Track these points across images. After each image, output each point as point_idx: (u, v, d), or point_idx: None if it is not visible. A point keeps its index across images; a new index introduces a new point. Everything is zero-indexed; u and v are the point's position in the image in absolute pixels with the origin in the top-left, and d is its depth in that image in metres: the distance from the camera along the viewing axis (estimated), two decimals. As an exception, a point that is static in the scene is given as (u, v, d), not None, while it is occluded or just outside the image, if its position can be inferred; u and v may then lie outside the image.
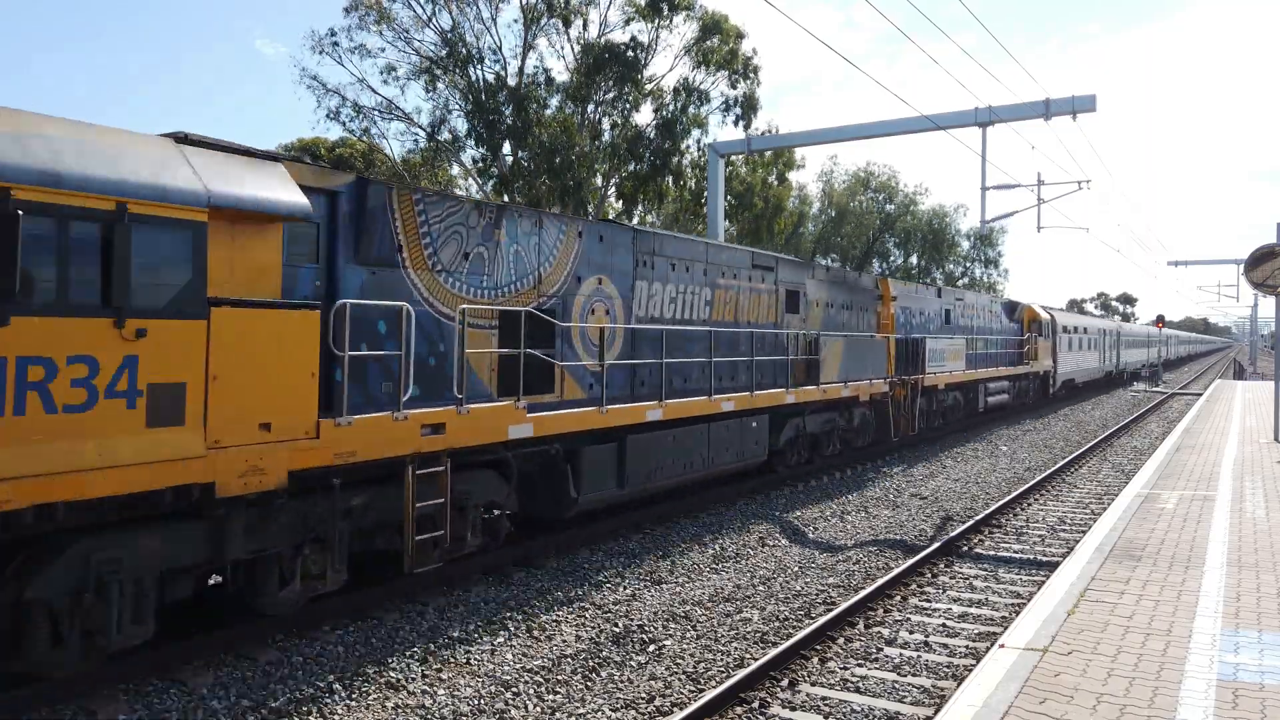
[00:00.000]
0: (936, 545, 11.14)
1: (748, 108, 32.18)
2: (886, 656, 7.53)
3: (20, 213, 5.39)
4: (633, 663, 7.38)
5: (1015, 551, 11.45)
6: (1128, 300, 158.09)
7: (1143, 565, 8.63)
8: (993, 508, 13.61)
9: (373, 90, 30.86)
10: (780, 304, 15.62)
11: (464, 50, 29.82)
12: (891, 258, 64.51)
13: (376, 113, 31.11)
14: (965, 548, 11.56)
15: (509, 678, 6.99)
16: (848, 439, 17.88)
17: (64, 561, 5.90)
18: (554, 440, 10.11)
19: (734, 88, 32.05)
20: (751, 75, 32.19)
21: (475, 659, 7.37)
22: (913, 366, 20.18)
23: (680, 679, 7.05)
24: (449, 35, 29.87)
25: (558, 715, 6.38)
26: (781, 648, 7.37)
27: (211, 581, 7.80)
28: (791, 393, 14.84)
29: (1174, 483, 13.54)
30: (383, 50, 30.22)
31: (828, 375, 16.12)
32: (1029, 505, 14.58)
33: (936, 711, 5.98)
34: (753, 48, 33.22)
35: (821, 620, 8.10)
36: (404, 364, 8.13)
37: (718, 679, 6.99)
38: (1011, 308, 31.25)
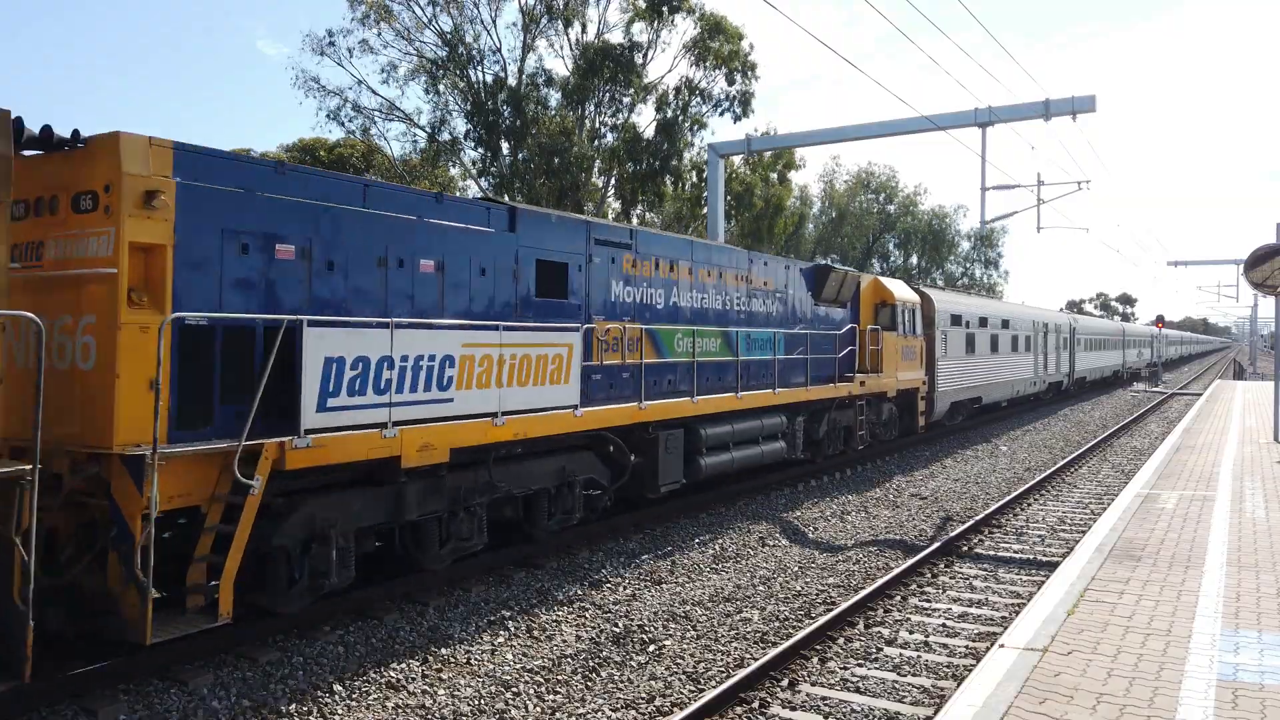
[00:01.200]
0: (936, 545, 11.14)
1: (743, 104, 32.25)
2: (886, 656, 7.54)
3: None
4: (633, 663, 7.39)
5: (1015, 551, 11.46)
6: (1127, 300, 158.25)
7: (1142, 565, 8.63)
8: (993, 508, 13.62)
9: (372, 91, 30.99)
10: None
11: (464, 52, 29.89)
12: (891, 258, 64.70)
13: (377, 113, 31.22)
14: (965, 548, 11.57)
15: (509, 678, 7.00)
16: None
17: None
18: None
19: (731, 84, 32.14)
20: (749, 72, 32.26)
21: (475, 659, 7.38)
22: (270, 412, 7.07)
23: (680, 679, 7.05)
24: (449, 36, 29.94)
25: (558, 715, 6.39)
26: (781, 648, 7.38)
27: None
28: None
29: (1174, 483, 13.54)
30: (385, 47, 30.32)
31: None
32: (1029, 505, 14.59)
33: (936, 711, 5.99)
34: (750, 44, 33.30)
35: (821, 620, 8.10)
36: None
37: (718, 679, 7.00)
38: (821, 276, 16.58)
